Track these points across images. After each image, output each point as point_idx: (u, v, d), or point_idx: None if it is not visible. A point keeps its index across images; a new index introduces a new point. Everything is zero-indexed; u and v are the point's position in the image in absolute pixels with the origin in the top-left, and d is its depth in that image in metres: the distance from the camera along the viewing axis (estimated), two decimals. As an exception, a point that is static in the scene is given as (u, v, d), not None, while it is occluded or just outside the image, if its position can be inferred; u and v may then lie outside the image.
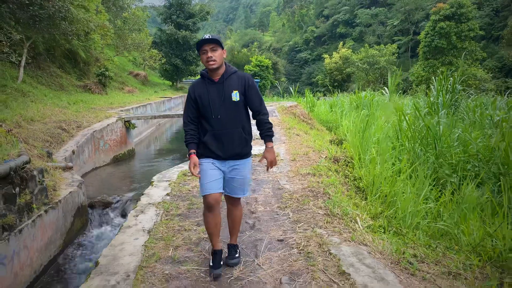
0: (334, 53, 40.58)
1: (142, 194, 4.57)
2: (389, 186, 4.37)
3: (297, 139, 7.65)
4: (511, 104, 8.55)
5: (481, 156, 5.07)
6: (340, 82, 35.99)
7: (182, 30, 32.78)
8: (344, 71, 35.97)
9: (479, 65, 27.83)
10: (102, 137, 9.36)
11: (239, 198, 2.77)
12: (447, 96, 9.24)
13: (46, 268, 4.28)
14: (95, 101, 14.71)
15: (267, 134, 2.64)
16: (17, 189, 3.84)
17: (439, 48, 27.64)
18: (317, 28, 75.08)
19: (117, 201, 6.21)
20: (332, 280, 2.41)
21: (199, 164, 2.60)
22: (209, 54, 2.48)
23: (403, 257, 2.72)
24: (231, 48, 47.33)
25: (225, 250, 2.88)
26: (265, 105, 2.73)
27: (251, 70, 33.10)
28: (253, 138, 2.78)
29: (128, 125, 10.92)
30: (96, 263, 2.84)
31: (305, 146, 6.85)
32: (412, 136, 5.78)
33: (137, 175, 9.38)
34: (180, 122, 17.59)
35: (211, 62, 2.49)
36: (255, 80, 30.84)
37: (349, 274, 2.45)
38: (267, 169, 2.73)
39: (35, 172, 4.23)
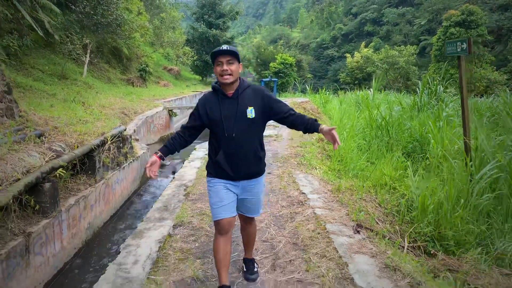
0: (356, 52, 42.38)
1: (191, 154, 7.26)
2: (345, 152, 6.83)
3: (299, 126, 10.14)
4: (477, 104, 10.64)
5: (418, 138, 7.41)
6: (360, 81, 37.83)
7: (213, 29, 35.58)
8: (365, 70, 37.80)
9: (495, 68, 28.99)
10: (152, 121, 12.20)
11: (253, 217, 2.71)
12: (428, 96, 11.46)
13: (132, 195, 7.05)
14: (141, 93, 17.67)
15: (316, 121, 2.44)
16: (121, 144, 6.61)
17: (449, 52, 28.98)
18: (345, 25, 76.24)
19: (169, 164, 9.00)
20: (288, 183, 4.98)
21: (211, 186, 2.49)
22: (225, 67, 2.31)
23: (329, 178, 5.24)
24: (259, 45, 49.75)
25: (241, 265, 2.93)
26: None
27: (275, 68, 35.39)
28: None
29: (171, 113, 13.76)
30: (173, 178, 5.54)
31: (303, 130, 9.34)
32: (375, 124, 8.18)
33: (178, 150, 12.18)
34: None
35: (226, 76, 2.32)
36: (273, 80, 31.80)
37: (297, 182, 5.01)
38: (336, 146, 2.34)
39: (128, 136, 7.00)
